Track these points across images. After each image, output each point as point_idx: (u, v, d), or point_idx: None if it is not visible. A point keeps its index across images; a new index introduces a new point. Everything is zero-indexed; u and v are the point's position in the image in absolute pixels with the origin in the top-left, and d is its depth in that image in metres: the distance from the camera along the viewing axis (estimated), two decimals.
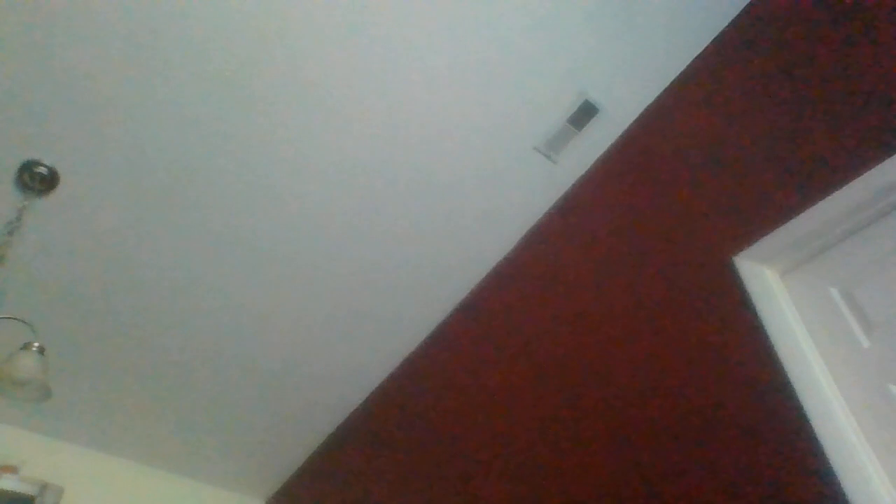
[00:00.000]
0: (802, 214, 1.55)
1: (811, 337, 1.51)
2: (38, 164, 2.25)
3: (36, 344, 2.16)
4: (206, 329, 2.91)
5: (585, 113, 2.31)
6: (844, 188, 1.47)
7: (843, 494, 1.26)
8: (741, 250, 1.68)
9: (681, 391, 1.70)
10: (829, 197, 1.50)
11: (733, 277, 1.68)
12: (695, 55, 2.20)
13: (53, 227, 2.46)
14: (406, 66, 2.16)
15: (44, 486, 3.08)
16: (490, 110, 2.29)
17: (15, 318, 2.35)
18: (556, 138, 2.38)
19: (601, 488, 1.82)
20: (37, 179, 2.26)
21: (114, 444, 3.47)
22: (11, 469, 3.07)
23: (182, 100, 2.17)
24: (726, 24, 2.11)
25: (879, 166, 1.41)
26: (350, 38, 2.08)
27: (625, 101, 2.31)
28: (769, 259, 1.63)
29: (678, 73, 2.24)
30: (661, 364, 1.79)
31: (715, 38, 2.14)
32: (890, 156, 1.41)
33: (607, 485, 1.80)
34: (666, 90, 2.27)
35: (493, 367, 2.50)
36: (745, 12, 2.06)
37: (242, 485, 3.87)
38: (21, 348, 2.15)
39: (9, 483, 2.99)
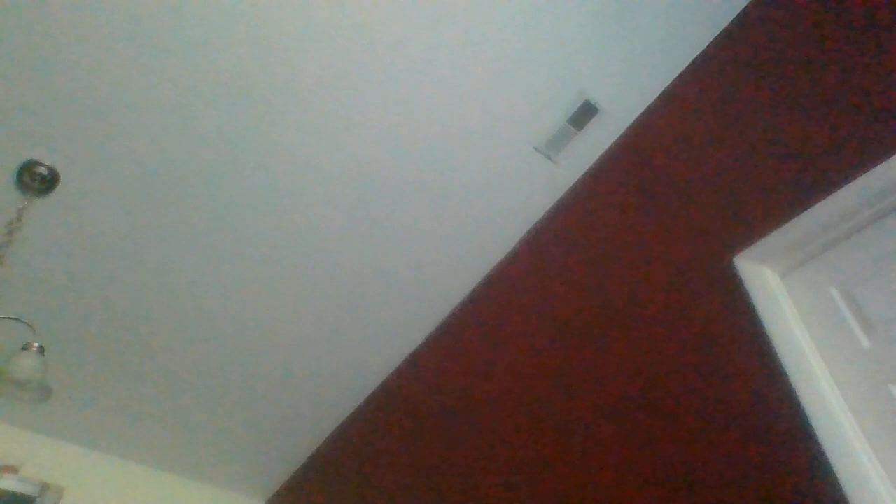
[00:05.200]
0: (802, 214, 1.55)
1: (811, 337, 1.51)
2: (38, 164, 2.25)
3: (36, 344, 2.16)
4: (206, 329, 2.91)
5: (585, 113, 2.31)
6: (844, 188, 1.47)
7: (843, 494, 1.26)
8: (741, 250, 1.68)
9: (680, 391, 1.70)
10: (829, 197, 1.50)
11: (733, 277, 1.68)
12: (695, 55, 2.20)
13: (53, 227, 2.46)
14: (406, 67, 2.16)
15: (44, 486, 3.08)
16: (490, 110, 2.29)
17: (15, 318, 2.36)
18: (556, 138, 2.38)
19: (601, 488, 1.82)
20: (37, 179, 2.26)
21: (114, 444, 3.47)
22: (11, 469, 3.07)
23: (182, 100, 2.17)
24: (726, 24, 2.12)
25: (879, 166, 1.41)
26: (350, 40, 2.08)
27: (625, 101, 2.32)
28: (769, 259, 1.63)
29: (678, 73, 2.24)
30: (661, 364, 1.79)
31: (714, 39, 2.14)
32: (890, 156, 1.41)
33: (607, 484, 1.80)
34: (666, 90, 2.27)
35: (493, 367, 2.50)
36: (745, 13, 2.06)
37: (242, 485, 3.87)
38: (21, 348, 2.15)
39: (9, 483, 3.00)
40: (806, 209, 1.55)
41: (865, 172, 1.44)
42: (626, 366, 1.91)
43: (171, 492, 3.65)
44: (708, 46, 2.16)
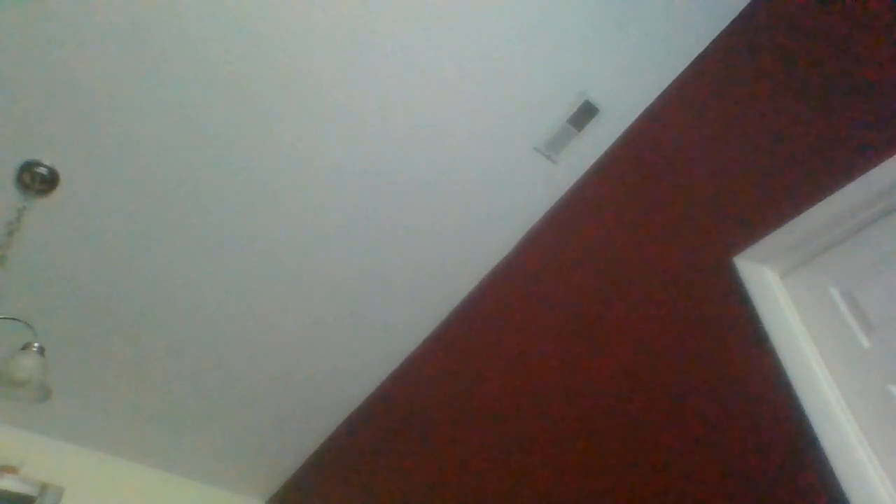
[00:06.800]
0: (802, 214, 1.55)
1: (811, 337, 1.51)
2: (38, 164, 2.25)
3: (36, 344, 2.16)
4: (207, 329, 2.91)
5: (585, 113, 2.31)
6: (844, 188, 1.47)
7: (843, 494, 1.26)
8: (741, 251, 1.68)
9: (680, 392, 1.70)
10: (829, 197, 1.50)
11: (733, 278, 1.68)
12: (695, 55, 2.20)
13: (53, 227, 2.46)
14: (406, 68, 2.16)
15: (44, 487, 3.08)
16: (490, 110, 2.29)
17: (15, 319, 2.36)
18: (556, 138, 2.38)
19: (601, 489, 1.82)
20: (37, 179, 2.27)
21: (114, 444, 3.47)
22: (11, 469, 3.07)
23: (182, 100, 2.17)
24: (726, 24, 2.12)
25: (879, 166, 1.41)
26: (349, 39, 2.08)
27: (625, 101, 2.32)
28: (769, 259, 1.63)
29: (678, 73, 2.24)
30: (661, 365, 1.79)
31: (715, 39, 2.15)
32: (890, 156, 1.41)
33: (607, 485, 1.80)
34: (666, 90, 2.27)
35: (493, 368, 2.50)
36: (745, 13, 2.06)
37: (242, 485, 3.87)
38: (21, 348, 2.15)
39: (9, 483, 2.99)
40: (806, 209, 1.55)
41: (865, 172, 1.44)
42: (626, 366, 1.91)
43: (171, 492, 3.65)
44: (708, 46, 2.16)
